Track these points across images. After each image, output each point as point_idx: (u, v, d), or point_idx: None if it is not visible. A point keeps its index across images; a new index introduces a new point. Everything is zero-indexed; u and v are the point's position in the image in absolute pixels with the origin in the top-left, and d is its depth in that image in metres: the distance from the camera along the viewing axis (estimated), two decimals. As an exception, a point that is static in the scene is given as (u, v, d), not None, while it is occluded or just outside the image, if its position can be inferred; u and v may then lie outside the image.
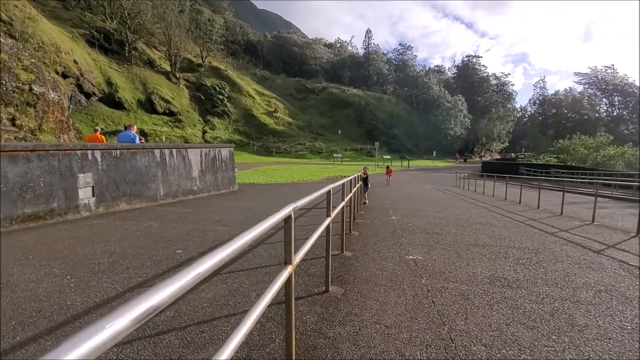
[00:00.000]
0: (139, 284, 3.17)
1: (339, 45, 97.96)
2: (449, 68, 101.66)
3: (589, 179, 19.61)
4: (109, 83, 32.94)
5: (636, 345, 2.30)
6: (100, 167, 6.90)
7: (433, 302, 2.96)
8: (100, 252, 4.14)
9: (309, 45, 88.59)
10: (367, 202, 10.13)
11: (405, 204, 10.37)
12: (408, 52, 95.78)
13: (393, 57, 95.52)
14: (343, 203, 4.27)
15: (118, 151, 7.41)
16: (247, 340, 2.24)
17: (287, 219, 1.53)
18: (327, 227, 2.88)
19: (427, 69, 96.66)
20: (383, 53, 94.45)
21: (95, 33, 36.03)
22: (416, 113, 79.03)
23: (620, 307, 2.95)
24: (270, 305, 2.75)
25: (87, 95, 29.53)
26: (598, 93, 71.96)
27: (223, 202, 9.52)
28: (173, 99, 41.83)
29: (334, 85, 76.04)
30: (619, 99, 70.56)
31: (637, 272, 3.98)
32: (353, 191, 6.14)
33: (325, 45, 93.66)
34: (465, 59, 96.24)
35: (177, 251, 4.32)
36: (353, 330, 2.43)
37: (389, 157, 46.88)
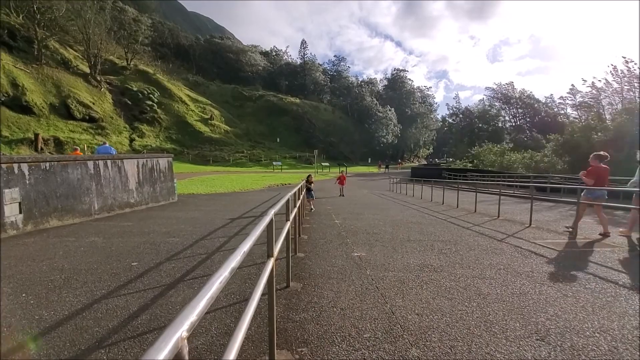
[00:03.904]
0: (103, 295, 3.23)
1: (274, 53, 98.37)
2: (380, 80, 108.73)
3: (497, 181, 22.86)
4: (15, 85, 28.90)
5: (522, 304, 3.14)
6: (27, 182, 6.36)
7: (377, 287, 3.57)
8: (48, 269, 3.99)
9: (244, 52, 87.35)
10: (312, 208, 10.63)
11: (346, 209, 11.17)
12: (342, 63, 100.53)
13: (329, 68, 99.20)
14: (296, 209, 4.73)
15: (47, 164, 6.88)
16: (227, 330, 2.57)
17: (270, 222, 1.96)
18: (288, 230, 3.32)
19: (359, 80, 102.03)
20: (319, 63, 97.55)
21: (-2, 28, 31.49)
22: (351, 122, 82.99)
23: (513, 279, 3.88)
24: (237, 303, 3.10)
25: (-14, 99, 25.67)
26: (503, 105, 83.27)
27: (166, 214, 9.27)
28: (94, 103, 37.98)
29: (271, 93, 76.12)
30: (520, 110, 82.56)
31: (527, 254, 5.12)
32: (301, 198, 6.62)
33: (261, 53, 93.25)
34: (395, 72, 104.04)
35: (133, 264, 4.34)
36: (315, 314, 2.90)
37: (327, 164, 48.47)
